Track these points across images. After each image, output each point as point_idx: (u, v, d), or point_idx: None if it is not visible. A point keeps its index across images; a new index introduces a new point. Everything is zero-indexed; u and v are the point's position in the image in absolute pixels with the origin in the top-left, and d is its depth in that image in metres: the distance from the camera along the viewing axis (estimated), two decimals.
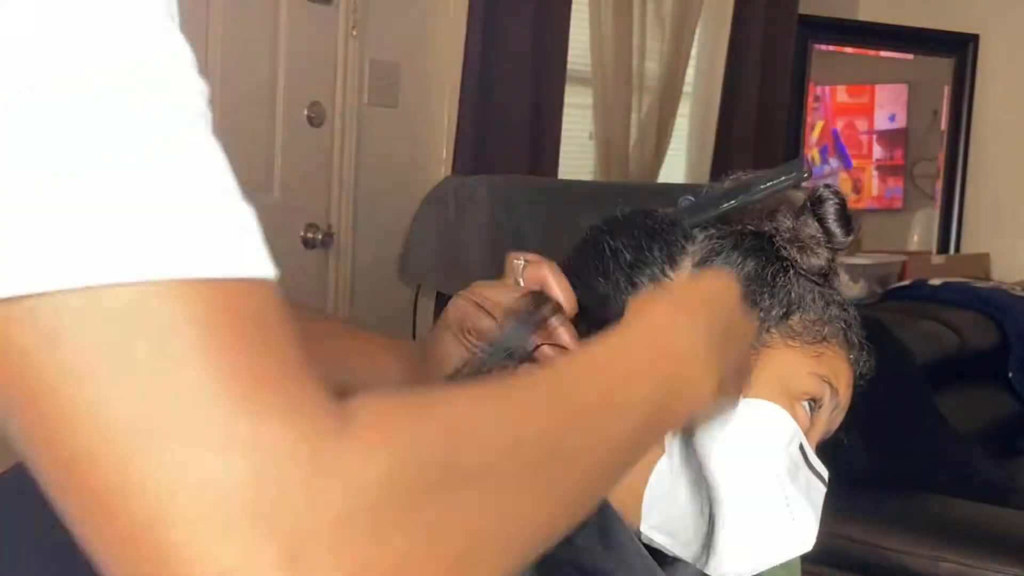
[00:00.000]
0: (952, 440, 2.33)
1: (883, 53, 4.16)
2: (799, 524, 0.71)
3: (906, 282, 3.40)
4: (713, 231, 0.74)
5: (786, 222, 0.75)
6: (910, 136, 4.17)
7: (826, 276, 0.74)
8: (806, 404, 0.72)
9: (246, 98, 2.37)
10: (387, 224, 2.64)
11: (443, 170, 2.74)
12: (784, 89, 3.76)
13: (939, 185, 4.14)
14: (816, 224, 0.74)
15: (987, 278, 3.73)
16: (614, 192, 2.89)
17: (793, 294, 0.73)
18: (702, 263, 0.72)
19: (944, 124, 4.12)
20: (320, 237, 2.50)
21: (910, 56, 4.15)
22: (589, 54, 3.08)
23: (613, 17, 3.07)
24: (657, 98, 3.28)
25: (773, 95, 3.68)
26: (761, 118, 3.62)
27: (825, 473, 0.73)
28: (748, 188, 0.74)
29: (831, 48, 4.06)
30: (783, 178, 0.73)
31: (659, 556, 0.71)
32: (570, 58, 2.95)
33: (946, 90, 4.11)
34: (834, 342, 0.73)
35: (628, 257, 0.73)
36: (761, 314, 0.71)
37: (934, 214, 4.16)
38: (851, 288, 3.46)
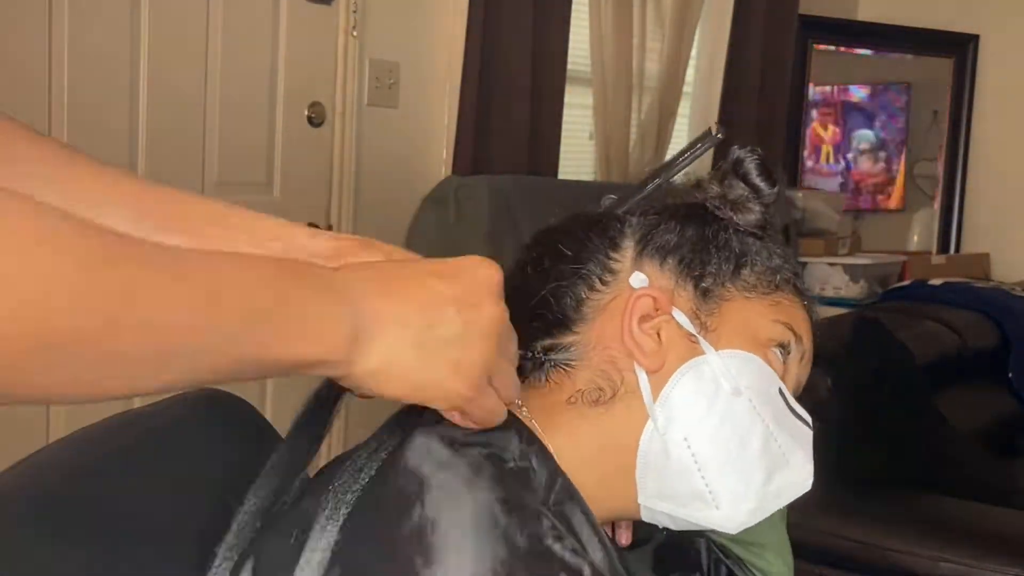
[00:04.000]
0: (952, 440, 2.33)
1: (883, 53, 4.16)
2: (793, 466, 0.73)
3: (906, 282, 3.40)
4: (646, 210, 0.78)
5: (714, 188, 0.78)
6: (910, 136, 4.17)
7: (764, 229, 0.78)
8: (776, 350, 0.75)
9: (246, 98, 2.37)
10: (387, 224, 2.64)
11: (443, 170, 2.74)
12: (784, 89, 3.76)
13: (939, 185, 4.14)
14: (741, 184, 0.78)
15: (987, 278, 3.73)
16: (614, 192, 2.88)
17: (737, 249, 0.76)
18: (643, 240, 0.76)
19: (944, 124, 4.12)
20: None
21: (910, 56, 4.15)
22: (589, 54, 3.08)
23: (613, 17, 3.07)
24: (657, 98, 3.28)
25: (773, 95, 3.67)
26: (761, 118, 3.62)
27: (808, 417, 0.76)
28: (668, 167, 0.80)
29: (831, 48, 4.06)
30: (698, 146, 0.79)
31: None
32: (570, 58, 2.95)
33: (946, 90, 4.11)
34: (787, 290, 0.77)
35: (569, 252, 0.76)
36: (711, 270, 0.74)
37: (934, 214, 4.16)
38: (851, 288, 3.46)
